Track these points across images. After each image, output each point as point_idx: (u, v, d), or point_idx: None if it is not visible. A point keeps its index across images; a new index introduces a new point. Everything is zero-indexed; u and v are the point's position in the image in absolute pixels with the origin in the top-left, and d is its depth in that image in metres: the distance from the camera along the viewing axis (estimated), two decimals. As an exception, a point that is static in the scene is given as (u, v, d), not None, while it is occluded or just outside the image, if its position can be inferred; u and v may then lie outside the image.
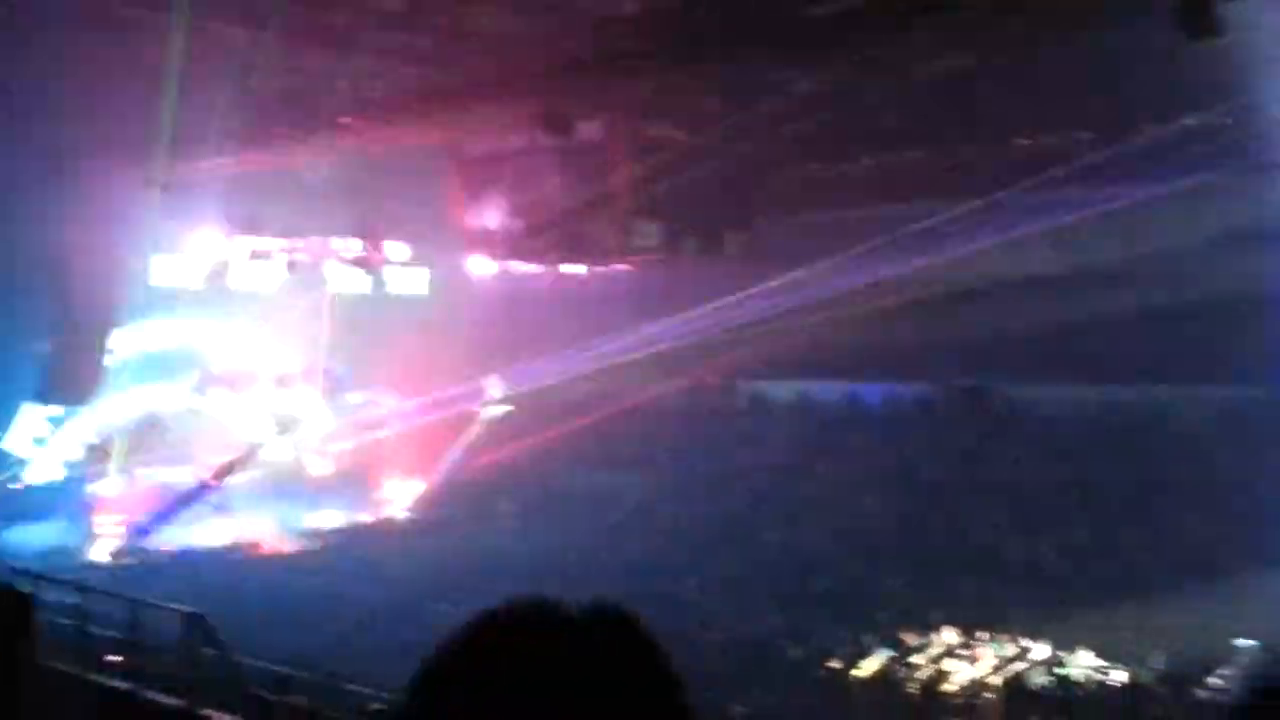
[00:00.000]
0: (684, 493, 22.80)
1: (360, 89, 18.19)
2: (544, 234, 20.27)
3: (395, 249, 24.87)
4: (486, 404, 26.09)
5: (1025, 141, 18.34)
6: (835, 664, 15.96)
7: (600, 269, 21.77)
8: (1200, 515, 17.48)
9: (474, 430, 26.12)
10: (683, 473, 23.64)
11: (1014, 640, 16.31)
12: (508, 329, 24.42)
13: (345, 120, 18.72)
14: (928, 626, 16.72)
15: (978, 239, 19.32)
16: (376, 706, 9.97)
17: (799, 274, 21.07)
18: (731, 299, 21.49)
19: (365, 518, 24.75)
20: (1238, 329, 17.02)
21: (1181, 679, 14.96)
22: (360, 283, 24.58)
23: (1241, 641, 15.24)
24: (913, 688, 15.55)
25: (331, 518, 24.27)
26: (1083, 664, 15.67)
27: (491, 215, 20.76)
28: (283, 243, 23.47)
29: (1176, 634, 15.61)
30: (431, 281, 25.51)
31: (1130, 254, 18.43)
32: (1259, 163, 15.45)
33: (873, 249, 20.23)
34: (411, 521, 24.96)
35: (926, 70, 14.21)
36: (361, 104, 18.38)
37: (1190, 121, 17.41)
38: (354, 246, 24.25)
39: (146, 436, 23.93)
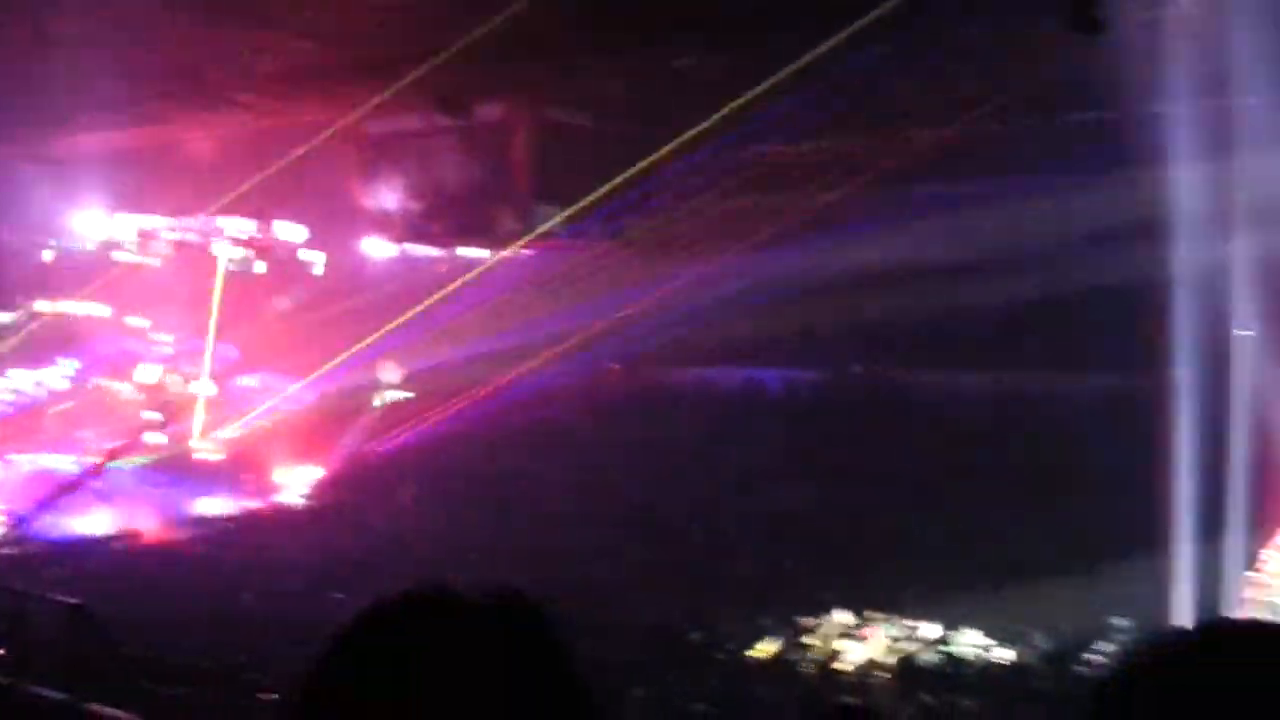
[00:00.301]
0: (585, 478, 22.80)
1: (253, 65, 17.73)
2: (442, 216, 20.03)
3: (289, 229, 24.36)
4: (384, 388, 25.75)
5: (921, 132, 18.65)
6: (734, 647, 16.17)
7: (500, 253, 21.61)
8: (1083, 499, 18.05)
9: (371, 415, 25.77)
10: (584, 459, 23.62)
11: (905, 621, 16.72)
12: (405, 312, 24.11)
13: (237, 97, 18.24)
14: (823, 608, 17.04)
15: (872, 228, 19.66)
16: (269, 697, 9.80)
17: (699, 261, 21.20)
18: (633, 285, 21.51)
19: (258, 505, 24.25)
20: (1123, 318, 17.64)
21: (1062, 656, 15.54)
22: (251, 263, 24.05)
23: (1118, 620, 15.85)
24: (808, 668, 15.84)
25: (222, 505, 23.72)
26: (970, 643, 16.14)
27: (388, 197, 20.42)
28: (171, 222, 22.85)
29: (1059, 613, 16.17)
30: (326, 263, 25.06)
31: (1020, 245, 18.90)
32: (1143, 158, 15.94)
33: (772, 237, 20.44)
34: (307, 508, 24.53)
35: (826, 60, 14.35)
36: (254, 80, 17.91)
37: (1077, 116, 17.91)
38: (245, 227, 23.70)
39: (27, 421, 23.14)
